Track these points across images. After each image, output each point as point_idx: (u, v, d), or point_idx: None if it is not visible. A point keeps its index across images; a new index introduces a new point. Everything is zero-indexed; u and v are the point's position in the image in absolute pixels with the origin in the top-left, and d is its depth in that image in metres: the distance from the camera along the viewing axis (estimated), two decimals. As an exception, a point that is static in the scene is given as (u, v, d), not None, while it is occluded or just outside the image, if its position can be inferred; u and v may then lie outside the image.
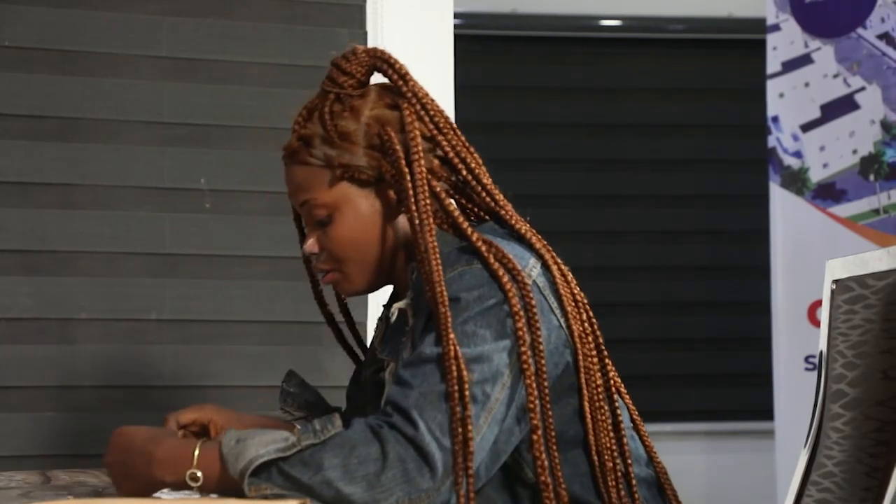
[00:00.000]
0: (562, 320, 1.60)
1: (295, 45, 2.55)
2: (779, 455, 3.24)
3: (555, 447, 1.56)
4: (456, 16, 2.68)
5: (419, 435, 1.46)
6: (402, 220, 1.67)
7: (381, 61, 1.68)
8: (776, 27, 3.28)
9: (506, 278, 1.55)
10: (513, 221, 1.66)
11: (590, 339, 1.63)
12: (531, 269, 1.59)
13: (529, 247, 1.63)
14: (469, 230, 1.59)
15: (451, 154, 1.65)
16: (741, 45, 4.11)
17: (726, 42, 4.18)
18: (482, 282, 1.55)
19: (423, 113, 1.65)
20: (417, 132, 1.63)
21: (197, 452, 1.49)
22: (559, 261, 1.66)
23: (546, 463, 1.54)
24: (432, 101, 1.67)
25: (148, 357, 2.43)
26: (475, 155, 1.68)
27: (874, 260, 1.43)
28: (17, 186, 2.40)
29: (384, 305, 1.80)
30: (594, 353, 1.62)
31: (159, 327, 2.44)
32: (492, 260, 1.56)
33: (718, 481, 4.06)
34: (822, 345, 1.48)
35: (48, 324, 2.40)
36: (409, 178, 1.60)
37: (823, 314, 1.49)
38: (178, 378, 2.41)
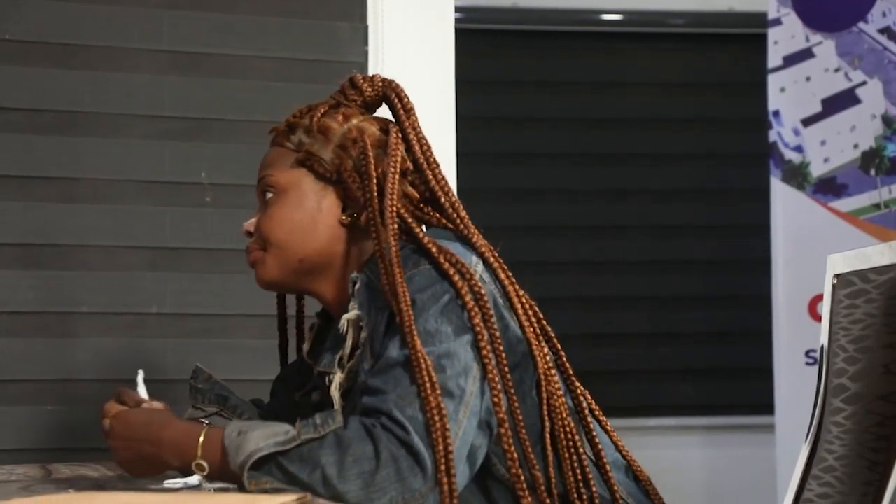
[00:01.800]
0: (510, 313, 1.61)
1: (296, 39, 2.55)
2: (779, 450, 3.24)
3: (526, 439, 1.57)
4: (457, 10, 2.68)
5: (409, 436, 1.46)
6: (340, 232, 1.69)
7: (393, 92, 1.73)
8: (777, 21, 3.27)
9: (455, 275, 1.57)
10: (469, 235, 1.67)
11: (540, 335, 1.64)
12: (475, 266, 1.61)
13: (471, 247, 1.65)
14: (421, 234, 1.62)
15: (436, 188, 1.67)
16: (742, 39, 4.10)
17: (727, 36, 4.17)
18: (432, 281, 1.57)
19: (417, 145, 1.69)
20: (401, 152, 1.66)
21: (201, 440, 1.51)
22: (503, 263, 1.67)
23: (516, 455, 1.55)
24: (427, 141, 1.70)
25: (148, 350, 2.43)
26: (456, 198, 1.70)
27: (875, 254, 1.43)
28: (17, 180, 2.40)
29: (315, 322, 1.80)
30: (546, 348, 1.64)
31: (160, 321, 2.44)
32: (442, 259, 1.58)
33: (718, 476, 4.06)
34: (824, 339, 1.48)
35: (49, 317, 2.40)
36: (374, 182, 1.63)
37: (825, 309, 1.49)
38: (178, 372, 2.41)
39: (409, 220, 1.63)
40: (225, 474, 1.49)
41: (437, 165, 1.70)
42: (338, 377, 1.64)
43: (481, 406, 1.54)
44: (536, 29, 4.15)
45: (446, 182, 1.70)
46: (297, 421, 1.49)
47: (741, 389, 4.08)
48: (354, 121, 1.71)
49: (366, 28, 2.58)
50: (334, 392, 1.64)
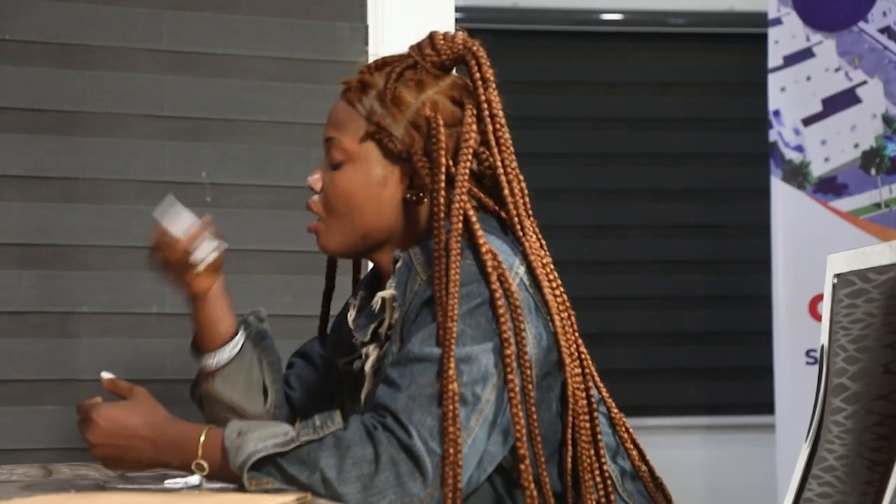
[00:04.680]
0: (546, 320, 1.59)
1: (295, 39, 2.55)
2: (779, 449, 3.23)
3: (540, 447, 1.55)
4: (457, 10, 2.68)
5: (411, 440, 1.45)
6: (403, 206, 1.66)
7: (472, 56, 1.66)
8: (777, 21, 3.27)
9: (494, 277, 1.54)
10: (521, 228, 1.63)
11: (571, 338, 1.62)
12: (517, 268, 1.59)
13: (518, 245, 1.62)
14: (478, 231, 1.57)
15: (501, 173, 1.63)
16: (742, 38, 4.10)
17: (727, 36, 4.17)
18: (469, 279, 1.54)
19: (489, 121, 1.63)
20: (474, 135, 1.61)
21: (202, 440, 1.50)
22: (548, 264, 1.64)
23: (528, 461, 1.53)
24: (502, 117, 1.65)
25: (149, 350, 2.43)
26: (522, 182, 1.65)
27: (875, 254, 1.43)
28: (18, 180, 2.40)
29: (359, 292, 1.77)
30: (576, 353, 1.62)
31: (160, 321, 2.44)
32: (487, 259, 1.54)
33: (719, 476, 4.06)
34: (824, 339, 1.48)
35: (49, 317, 2.40)
36: (443, 172, 1.58)
37: (825, 308, 1.49)
38: (178, 372, 2.41)
39: (472, 214, 1.58)
40: (225, 474, 1.49)
41: (508, 147, 1.64)
42: (374, 355, 1.63)
43: (499, 415, 1.52)
44: (537, 29, 4.15)
45: (513, 167, 1.64)
46: (297, 421, 1.49)
47: (741, 389, 4.08)
48: (430, 91, 1.64)
49: (366, 28, 2.58)
50: (368, 369, 1.64)
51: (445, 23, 2.63)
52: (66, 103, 2.43)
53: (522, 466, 1.53)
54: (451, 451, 1.45)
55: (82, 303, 2.41)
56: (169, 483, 1.59)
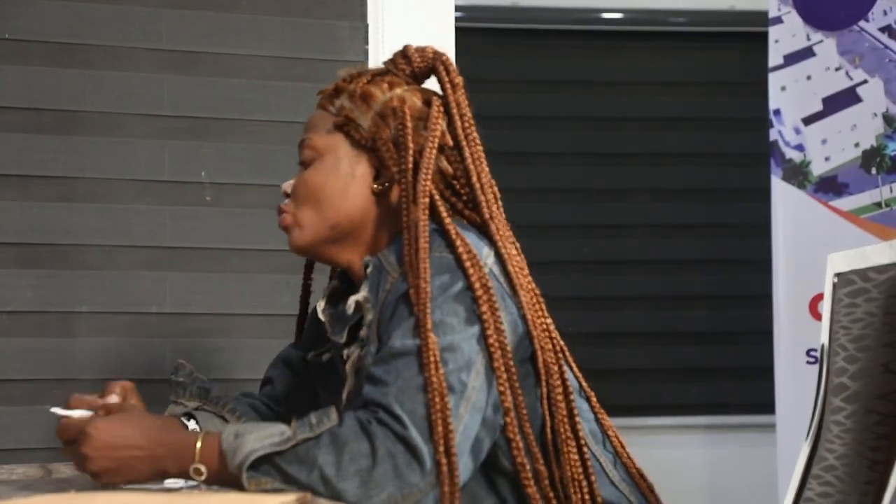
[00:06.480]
0: (518, 310, 1.60)
1: (295, 38, 2.55)
2: (780, 449, 3.23)
3: (530, 431, 1.56)
4: (457, 8, 2.68)
5: (407, 431, 1.45)
6: (371, 199, 1.68)
7: (442, 64, 1.70)
8: (778, 20, 3.27)
9: (468, 264, 1.56)
10: (490, 220, 1.65)
11: (545, 329, 1.63)
12: (486, 258, 1.60)
13: (487, 237, 1.64)
14: (446, 216, 1.60)
15: (471, 171, 1.65)
16: (743, 37, 4.10)
17: (728, 35, 4.16)
18: (443, 269, 1.56)
19: (458, 119, 1.66)
20: (440, 125, 1.65)
21: (199, 446, 1.50)
22: (517, 255, 1.65)
23: (521, 445, 1.54)
24: (470, 117, 1.68)
25: (148, 350, 2.43)
26: (492, 182, 1.68)
27: (876, 253, 1.43)
28: (17, 179, 2.40)
29: (329, 293, 1.78)
30: (549, 343, 1.63)
31: (159, 320, 2.44)
32: (458, 244, 1.57)
33: (719, 475, 4.06)
34: (824, 338, 1.48)
35: (49, 317, 2.40)
36: (410, 155, 1.61)
37: (825, 308, 1.49)
38: (178, 371, 2.41)
39: (438, 199, 1.61)
40: (223, 478, 1.49)
41: (477, 143, 1.67)
42: (354, 355, 1.64)
43: (487, 401, 1.53)
44: (537, 28, 4.15)
45: (482, 162, 1.67)
46: (293, 420, 1.49)
47: (742, 388, 4.08)
48: (398, 90, 1.68)
49: (366, 27, 2.58)
50: (348, 369, 1.65)
51: (445, 22, 2.63)
52: (66, 103, 2.43)
53: (515, 449, 1.54)
54: (444, 441, 1.46)
55: (82, 302, 2.41)
56: (169, 483, 1.58)
